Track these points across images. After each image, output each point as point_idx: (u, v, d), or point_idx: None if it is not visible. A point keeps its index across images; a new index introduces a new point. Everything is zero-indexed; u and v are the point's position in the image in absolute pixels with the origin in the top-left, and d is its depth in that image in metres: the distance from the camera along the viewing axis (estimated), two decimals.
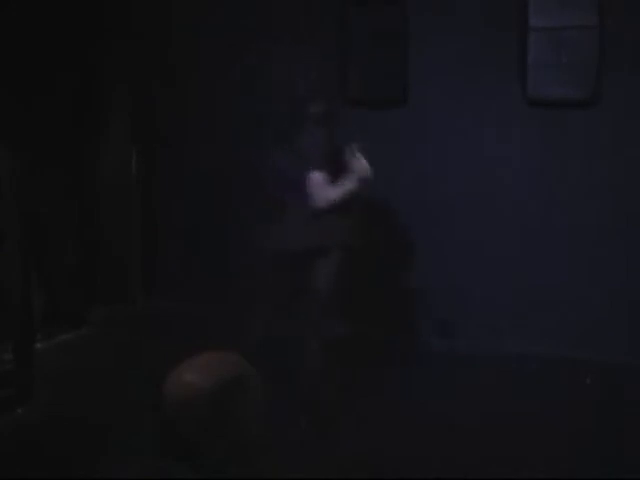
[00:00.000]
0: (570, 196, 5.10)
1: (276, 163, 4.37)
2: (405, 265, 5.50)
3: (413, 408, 4.44)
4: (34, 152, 5.18)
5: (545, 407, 4.40)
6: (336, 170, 4.27)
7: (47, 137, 5.37)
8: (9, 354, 4.57)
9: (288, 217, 4.37)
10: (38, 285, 5.19)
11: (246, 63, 5.62)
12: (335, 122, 4.35)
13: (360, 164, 4.19)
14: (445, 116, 5.20)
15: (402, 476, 3.65)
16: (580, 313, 5.06)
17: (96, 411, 4.24)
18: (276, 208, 4.42)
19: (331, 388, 4.34)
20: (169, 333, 5.24)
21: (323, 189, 4.21)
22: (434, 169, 5.28)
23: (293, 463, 3.56)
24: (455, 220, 5.29)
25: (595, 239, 5.06)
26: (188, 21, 5.82)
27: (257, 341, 4.27)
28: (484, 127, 5.18)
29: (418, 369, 4.99)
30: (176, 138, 5.99)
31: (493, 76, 5.12)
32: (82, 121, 5.72)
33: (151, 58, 5.95)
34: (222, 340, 2.33)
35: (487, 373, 4.88)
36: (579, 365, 4.88)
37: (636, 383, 4.63)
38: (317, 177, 4.21)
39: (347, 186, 4.21)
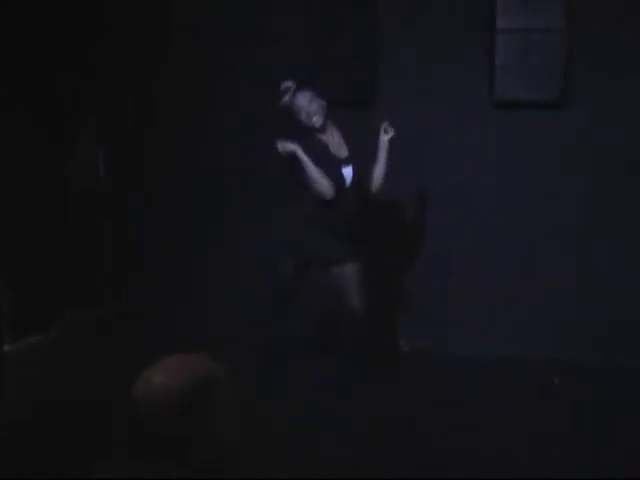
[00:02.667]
0: (540, 199, 5.16)
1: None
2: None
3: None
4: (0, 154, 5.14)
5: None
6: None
7: (13, 138, 5.31)
8: None
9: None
10: (7, 287, 5.14)
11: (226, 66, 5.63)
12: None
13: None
14: (414, 117, 5.23)
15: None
16: (546, 314, 5.14)
17: (65, 413, 4.21)
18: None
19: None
20: (141, 336, 5.22)
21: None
22: (405, 169, 5.30)
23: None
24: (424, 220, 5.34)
25: (566, 241, 5.12)
26: (157, 18, 5.82)
27: None
28: (452, 128, 5.22)
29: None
30: (155, 139, 5.96)
31: (461, 77, 5.17)
32: (51, 122, 5.66)
33: (120, 56, 5.92)
34: (195, 342, 2.33)
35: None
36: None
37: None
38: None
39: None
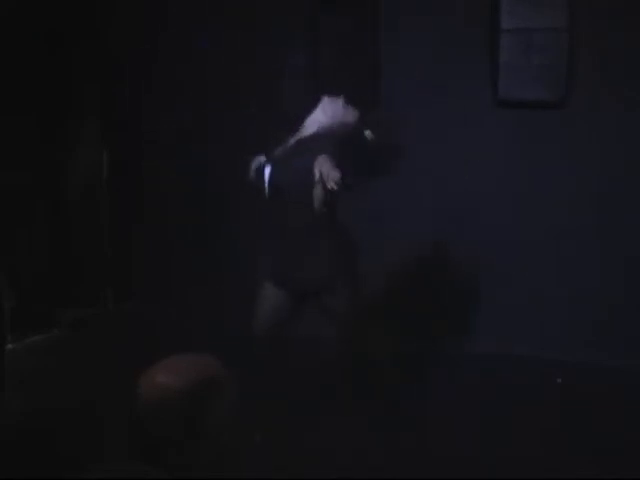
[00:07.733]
0: (544, 198, 5.15)
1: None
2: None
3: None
4: (1, 153, 5.13)
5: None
6: None
7: (14, 138, 5.31)
8: None
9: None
10: (9, 286, 5.14)
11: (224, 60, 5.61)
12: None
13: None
14: (417, 116, 5.22)
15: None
16: (561, 315, 5.12)
17: (67, 412, 4.21)
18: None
19: None
20: (143, 336, 5.22)
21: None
22: (406, 170, 5.29)
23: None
24: (427, 220, 5.32)
25: (570, 239, 5.10)
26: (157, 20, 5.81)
27: None
28: (456, 128, 5.21)
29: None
30: (158, 138, 5.95)
31: (465, 77, 5.16)
32: (50, 122, 5.66)
33: (121, 58, 5.91)
34: (198, 343, 2.33)
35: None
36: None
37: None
38: None
39: None
